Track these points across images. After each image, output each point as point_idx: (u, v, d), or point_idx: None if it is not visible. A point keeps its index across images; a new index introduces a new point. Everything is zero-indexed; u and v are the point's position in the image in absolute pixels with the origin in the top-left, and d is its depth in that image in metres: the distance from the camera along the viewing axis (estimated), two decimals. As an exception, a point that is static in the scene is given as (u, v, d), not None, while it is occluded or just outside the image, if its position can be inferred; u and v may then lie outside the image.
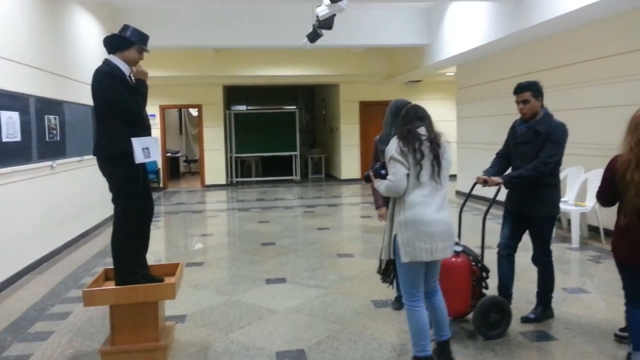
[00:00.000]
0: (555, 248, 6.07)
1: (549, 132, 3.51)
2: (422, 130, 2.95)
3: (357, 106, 14.25)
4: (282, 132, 14.60)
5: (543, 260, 3.75)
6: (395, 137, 2.96)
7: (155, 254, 6.47)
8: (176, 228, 8.73)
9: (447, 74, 12.11)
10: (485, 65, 9.55)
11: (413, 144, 2.87)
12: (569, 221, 6.42)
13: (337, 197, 11.91)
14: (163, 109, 13.83)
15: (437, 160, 2.90)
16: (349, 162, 14.38)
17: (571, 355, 3.28)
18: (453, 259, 3.39)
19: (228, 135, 14.35)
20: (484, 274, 3.55)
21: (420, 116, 3.03)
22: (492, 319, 3.47)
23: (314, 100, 18.36)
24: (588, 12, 5.93)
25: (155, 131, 13.45)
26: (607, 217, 6.33)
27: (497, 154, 3.91)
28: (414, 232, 2.85)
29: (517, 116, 3.76)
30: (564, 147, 3.52)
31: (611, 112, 6.28)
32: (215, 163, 13.98)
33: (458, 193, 10.70)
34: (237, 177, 14.80)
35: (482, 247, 3.64)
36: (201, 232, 8.25)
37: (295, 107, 15.49)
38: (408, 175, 2.88)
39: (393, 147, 2.93)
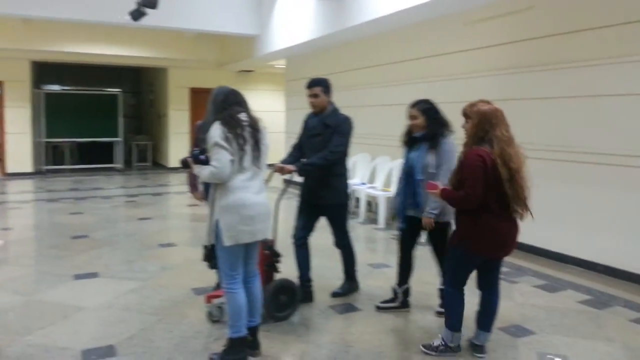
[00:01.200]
0: (364, 229, 6.83)
1: (337, 125, 3.85)
2: (243, 116, 2.99)
3: (187, 92, 13.80)
4: (103, 116, 13.45)
5: (343, 244, 4.13)
6: (218, 122, 2.93)
7: None
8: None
9: (277, 66, 12.42)
10: (312, 60, 10.01)
11: (236, 130, 2.90)
12: (377, 205, 7.12)
13: (164, 185, 11.43)
14: (-50, 83, 11.69)
15: (257, 146, 2.98)
16: (178, 150, 13.83)
17: (372, 322, 3.68)
18: None
19: (37, 118, 12.73)
20: (276, 259, 3.71)
21: (240, 101, 3.07)
22: (281, 301, 3.64)
23: (141, 83, 17.26)
24: (393, 19, 6.61)
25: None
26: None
27: (292, 145, 4.18)
28: (236, 216, 2.91)
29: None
30: (349, 138, 3.88)
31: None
32: (19, 148, 12.29)
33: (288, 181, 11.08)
34: (47, 164, 13.22)
35: (275, 232, 3.77)
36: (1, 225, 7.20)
37: (118, 89, 14.35)
38: (232, 160, 2.89)
39: (217, 133, 2.88)
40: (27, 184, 11.24)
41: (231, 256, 2.99)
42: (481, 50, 6.12)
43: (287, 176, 3.88)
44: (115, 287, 4.41)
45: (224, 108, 3.01)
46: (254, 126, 3.00)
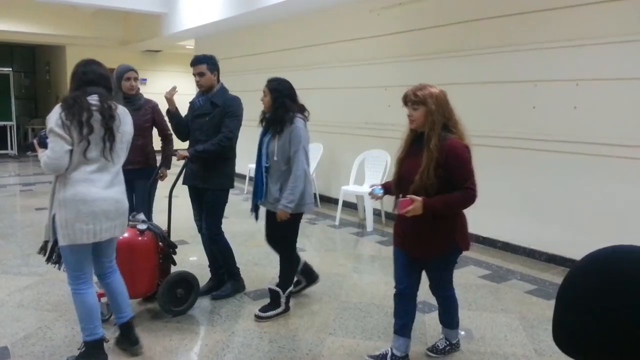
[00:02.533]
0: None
1: (226, 105, 3.60)
2: (93, 99, 2.61)
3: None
4: (-7, 97, 12.24)
5: (213, 238, 3.73)
6: (58, 106, 2.59)
7: None
8: None
9: (187, 46, 11.94)
10: (222, 41, 9.72)
11: (79, 117, 2.54)
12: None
13: (66, 173, 10.64)
14: None
15: (110, 135, 2.63)
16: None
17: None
18: (137, 238, 3.29)
19: None
20: (172, 250, 3.53)
21: (96, 80, 2.67)
22: (178, 295, 3.47)
23: (36, 62, 15.89)
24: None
25: None
26: (323, 185, 7.28)
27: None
28: (74, 212, 2.58)
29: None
30: (241, 120, 3.69)
31: (328, 92, 7.18)
32: None
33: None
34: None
35: (169, 222, 3.63)
36: None
37: (10, 69, 13.07)
38: (72, 151, 2.56)
39: (54, 118, 2.54)
40: None
41: (73, 256, 2.68)
42: (385, 37, 6.28)
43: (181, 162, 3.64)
44: (9, 283, 4.05)
45: (77, 87, 2.65)
46: (107, 112, 2.61)
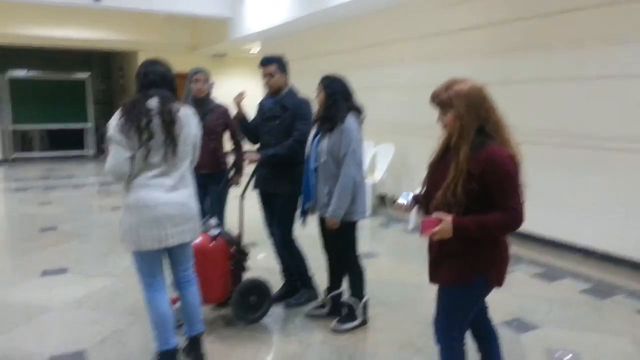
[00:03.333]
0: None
1: (297, 108, 3.40)
2: (152, 103, 2.48)
3: (160, 77, 13.26)
4: (71, 102, 12.88)
5: (285, 245, 3.56)
6: (118, 110, 2.48)
7: None
8: None
9: (251, 51, 12.00)
10: (289, 43, 9.63)
11: (138, 122, 2.43)
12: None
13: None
14: None
15: (171, 140, 2.49)
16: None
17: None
18: (208, 244, 3.18)
19: (2, 104, 12.07)
20: (244, 257, 3.38)
21: (154, 81, 2.54)
22: (251, 302, 3.33)
23: (111, 68, 16.58)
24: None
25: None
26: (394, 187, 6.99)
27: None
28: (137, 218, 2.49)
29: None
30: (312, 123, 3.45)
31: (399, 91, 6.88)
32: (-16, 136, 11.67)
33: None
34: (16, 152, 12.60)
35: (241, 227, 3.46)
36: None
37: (87, 74, 13.72)
38: (132, 157, 2.46)
39: (113, 123, 2.45)
40: (-8, 174, 10.66)
41: (144, 262, 2.60)
42: (460, 33, 5.89)
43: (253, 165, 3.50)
44: (85, 284, 4.07)
45: (139, 89, 2.55)
46: (167, 116, 2.48)
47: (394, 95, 6.93)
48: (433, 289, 2.20)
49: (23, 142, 13.08)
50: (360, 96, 3.33)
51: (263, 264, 4.40)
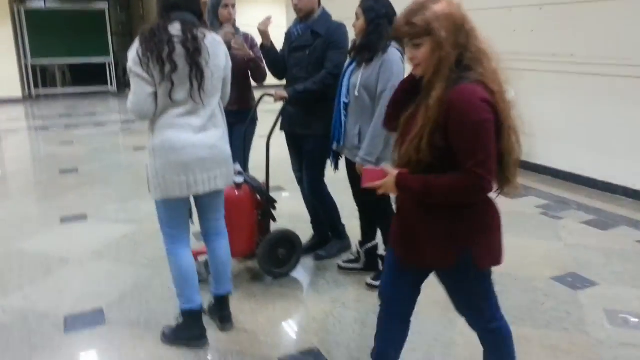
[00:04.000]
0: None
1: (330, 35, 2.98)
2: (175, 29, 2.14)
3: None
4: (91, 34, 12.43)
5: (315, 192, 3.24)
6: (137, 39, 2.14)
7: None
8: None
9: (277, -28, 11.17)
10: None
11: (159, 52, 2.08)
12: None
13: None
14: None
15: (197, 72, 2.16)
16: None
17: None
18: (233, 193, 2.87)
19: (20, 37, 11.74)
20: (271, 206, 3.08)
21: (176, 3, 2.18)
22: (279, 255, 3.06)
23: (130, -3, 15.95)
24: None
25: None
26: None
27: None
28: (164, 162, 2.21)
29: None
30: (347, 53, 2.99)
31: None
32: (5, 71, 11.42)
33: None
34: (37, 88, 12.42)
35: (267, 175, 3.13)
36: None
37: (106, 3, 13.14)
38: (154, 93, 2.16)
39: (132, 55, 2.13)
40: (15, 110, 10.53)
41: (168, 211, 2.35)
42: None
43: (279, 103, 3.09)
44: (106, 232, 3.88)
45: (160, 14, 2.20)
46: (191, 44, 2.13)
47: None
48: None
49: (44, 78, 12.86)
50: None
51: (291, 211, 4.12)
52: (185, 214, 2.42)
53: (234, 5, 3.31)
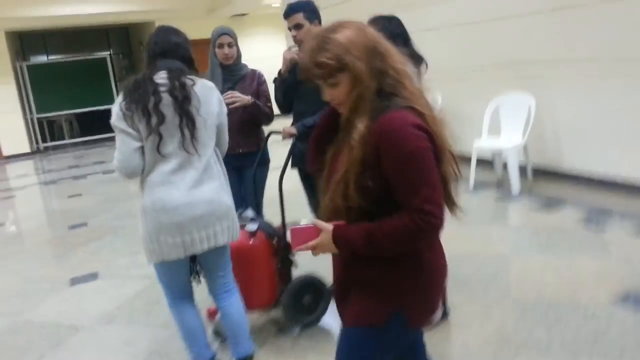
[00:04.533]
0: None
1: None
2: (160, 77, 2.02)
3: (180, 46, 12.65)
4: (94, 83, 12.46)
5: None
6: (121, 91, 2.04)
7: None
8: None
9: (274, 4, 11.16)
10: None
11: (144, 103, 1.95)
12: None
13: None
14: None
15: (188, 121, 2.00)
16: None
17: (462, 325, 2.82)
18: (247, 242, 2.63)
19: (24, 93, 11.80)
20: (290, 251, 2.82)
21: (165, 50, 2.06)
22: (305, 303, 2.80)
23: (131, 43, 16.07)
24: None
25: None
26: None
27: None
28: (155, 224, 2.03)
29: None
30: None
31: (444, 32, 6.03)
32: (12, 127, 11.45)
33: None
34: (45, 141, 12.42)
35: (283, 217, 2.87)
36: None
37: (108, 52, 13.24)
38: (140, 148, 2.01)
39: (115, 108, 2.01)
40: (25, 166, 10.49)
41: (167, 272, 2.20)
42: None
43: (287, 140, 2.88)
44: (117, 291, 3.63)
45: (148, 62, 2.10)
46: (179, 92, 1.99)
47: (436, 38, 6.08)
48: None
49: (51, 130, 12.88)
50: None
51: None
52: (186, 272, 2.26)
53: (230, 44, 3.09)
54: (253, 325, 2.89)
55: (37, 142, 12.11)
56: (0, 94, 11.25)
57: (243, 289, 2.62)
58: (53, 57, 13.52)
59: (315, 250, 1.38)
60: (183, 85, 2.00)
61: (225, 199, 2.16)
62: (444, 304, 2.70)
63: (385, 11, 2.72)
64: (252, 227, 2.65)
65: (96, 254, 4.49)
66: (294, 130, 2.75)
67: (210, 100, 2.10)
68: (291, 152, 2.86)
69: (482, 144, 5.13)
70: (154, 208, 2.04)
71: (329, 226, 1.34)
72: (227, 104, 2.67)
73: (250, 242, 2.65)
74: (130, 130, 1.99)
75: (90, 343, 2.98)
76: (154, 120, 1.96)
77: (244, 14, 12.67)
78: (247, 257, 2.64)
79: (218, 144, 2.20)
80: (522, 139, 4.88)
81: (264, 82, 3.21)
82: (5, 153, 11.43)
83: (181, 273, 2.24)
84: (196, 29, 12.16)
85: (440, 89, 6.02)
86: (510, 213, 4.52)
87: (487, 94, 5.40)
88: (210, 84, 2.16)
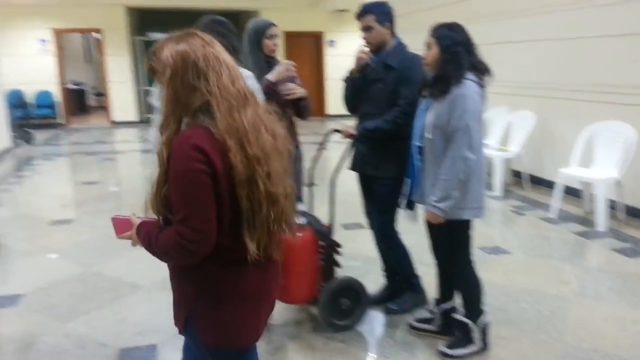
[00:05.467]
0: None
1: (404, 68, 2.69)
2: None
3: (282, 37, 13.02)
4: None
5: (385, 239, 2.95)
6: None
7: (14, 206, 5.43)
8: (57, 174, 7.55)
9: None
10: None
11: None
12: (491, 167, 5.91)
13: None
14: (58, 33, 11.95)
15: None
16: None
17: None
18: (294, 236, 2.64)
19: (137, 66, 12.79)
20: (335, 250, 2.81)
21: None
22: (342, 305, 2.78)
23: (239, 29, 16.81)
24: None
25: (49, 58, 11.71)
26: (533, 163, 5.90)
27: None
28: None
29: None
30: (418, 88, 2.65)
31: (540, 46, 5.68)
32: (122, 97, 12.47)
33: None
34: (150, 112, 13.38)
35: (332, 216, 2.88)
36: (86, 179, 7.06)
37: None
38: None
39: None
40: (130, 133, 11.39)
41: None
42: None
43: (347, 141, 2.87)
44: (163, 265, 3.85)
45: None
46: None
47: (533, 51, 5.75)
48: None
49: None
50: (485, 54, 2.48)
51: (367, 253, 3.81)
52: None
53: (277, 36, 3.04)
54: (290, 319, 2.95)
55: (143, 113, 13.08)
56: (115, 66, 12.28)
57: (285, 281, 2.67)
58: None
59: (132, 239, 1.49)
60: None
61: None
62: (484, 337, 2.57)
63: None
64: (302, 220, 2.69)
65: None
66: (352, 132, 2.75)
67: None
68: (347, 152, 2.85)
69: (570, 172, 4.79)
70: None
71: (137, 221, 1.46)
72: (286, 95, 2.72)
73: (298, 236, 2.69)
74: None
75: (143, 302, 3.20)
76: None
77: (344, 10, 12.75)
78: (292, 249, 2.68)
79: None
80: (617, 173, 4.48)
81: (296, 75, 3.10)
82: (115, 119, 12.48)
83: None
84: (297, 22, 12.56)
85: (533, 106, 5.73)
86: (589, 251, 4.18)
87: (582, 118, 5.03)
88: (248, 73, 2.24)
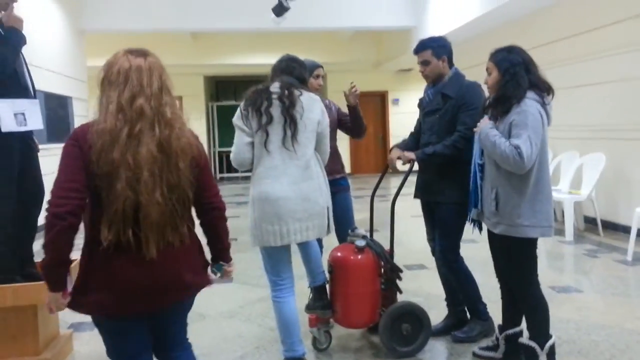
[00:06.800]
0: (547, 241, 5.49)
1: (461, 96, 2.79)
2: (274, 87, 2.47)
3: (346, 97, 13.56)
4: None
5: (448, 265, 2.93)
6: (244, 98, 2.53)
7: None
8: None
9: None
10: (477, 46, 8.82)
11: (258, 106, 2.40)
12: (562, 212, 5.71)
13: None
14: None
15: (291, 122, 2.40)
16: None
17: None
18: (354, 256, 2.75)
19: (211, 129, 13.73)
20: (396, 275, 2.82)
21: (284, 68, 2.54)
22: (404, 331, 2.75)
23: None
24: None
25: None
26: (606, 208, 5.65)
27: (411, 132, 3.23)
28: (260, 212, 2.43)
29: None
30: (479, 112, 2.72)
31: (608, 88, 5.59)
32: (198, 158, 13.32)
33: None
34: (222, 172, 14.16)
35: (392, 241, 2.91)
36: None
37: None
38: (251, 143, 2.45)
39: (237, 112, 2.53)
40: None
41: (270, 259, 2.56)
42: None
43: (404, 166, 2.97)
44: (245, 294, 4.03)
45: (271, 77, 2.56)
46: (287, 99, 2.40)
47: (603, 93, 5.66)
48: None
49: (228, 163, 14.62)
50: (558, 98, 2.55)
51: (430, 291, 3.79)
52: (287, 261, 2.57)
53: (322, 77, 3.35)
54: (351, 345, 2.98)
55: (215, 172, 13.86)
56: (195, 129, 13.19)
57: (344, 304, 2.75)
58: (240, 102, 15.52)
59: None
60: (291, 94, 2.42)
61: (319, 199, 2.47)
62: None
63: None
64: (360, 243, 2.78)
65: (237, 263, 4.95)
66: (412, 156, 2.86)
67: (313, 109, 2.48)
68: (406, 177, 2.94)
69: (646, 213, 4.56)
70: (259, 198, 2.44)
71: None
72: (353, 89, 3.07)
73: (358, 257, 2.77)
74: (244, 127, 2.45)
75: (210, 329, 3.36)
76: (263, 119, 2.40)
77: (408, 70, 13.14)
78: (353, 271, 2.77)
79: (319, 151, 2.53)
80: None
81: (339, 107, 3.45)
82: (190, 178, 13.27)
83: (281, 260, 2.55)
84: (363, 82, 12.84)
85: (604, 147, 5.57)
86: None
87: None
88: (316, 97, 2.54)
